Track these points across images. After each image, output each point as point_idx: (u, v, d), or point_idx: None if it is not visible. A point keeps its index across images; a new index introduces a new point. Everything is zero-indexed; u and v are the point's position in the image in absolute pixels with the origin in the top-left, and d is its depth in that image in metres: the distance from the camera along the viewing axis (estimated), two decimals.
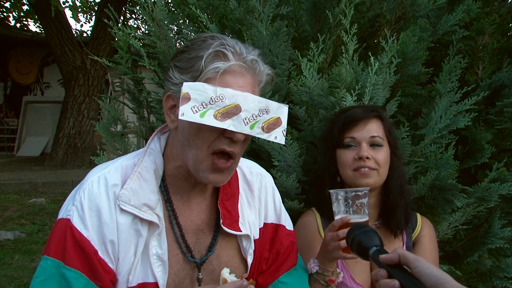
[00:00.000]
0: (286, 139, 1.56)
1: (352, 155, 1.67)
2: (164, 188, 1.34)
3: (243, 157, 1.54)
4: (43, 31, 11.48)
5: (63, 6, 10.13)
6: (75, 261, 1.19)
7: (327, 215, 1.69)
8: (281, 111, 1.28)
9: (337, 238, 1.39)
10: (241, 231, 1.37)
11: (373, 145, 1.68)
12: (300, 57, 1.98)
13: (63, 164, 10.63)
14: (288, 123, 1.99)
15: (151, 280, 1.25)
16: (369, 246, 1.13)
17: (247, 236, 1.39)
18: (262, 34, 2.03)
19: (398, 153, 1.75)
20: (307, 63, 1.94)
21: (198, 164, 1.23)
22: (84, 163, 10.74)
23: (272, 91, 1.98)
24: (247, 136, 1.24)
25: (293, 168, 1.96)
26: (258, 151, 2.15)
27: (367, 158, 1.64)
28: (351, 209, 1.42)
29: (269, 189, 1.52)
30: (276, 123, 1.27)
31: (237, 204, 1.41)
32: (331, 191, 1.46)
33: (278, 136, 1.28)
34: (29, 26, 14.45)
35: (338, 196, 1.44)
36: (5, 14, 13.54)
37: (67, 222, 1.23)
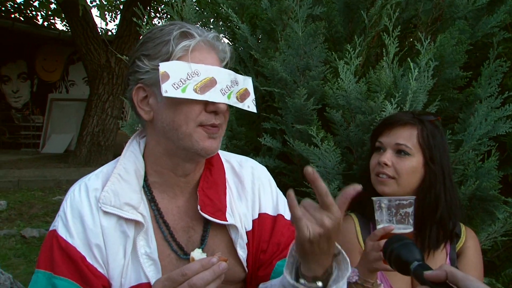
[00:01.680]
0: (328, 146, 1.65)
1: (377, 159, 1.64)
2: (147, 187, 1.33)
3: (250, 157, 1.56)
4: (69, 30, 11.60)
5: (90, 5, 10.22)
6: (64, 270, 1.19)
7: (366, 220, 1.64)
8: (247, 82, 1.35)
9: (378, 248, 1.32)
10: (226, 220, 1.32)
11: (399, 152, 1.61)
12: (337, 59, 1.92)
13: (86, 161, 10.71)
14: (323, 127, 1.96)
15: (144, 281, 1.23)
16: (410, 261, 1.05)
17: (235, 227, 1.34)
18: (297, 35, 1.98)
19: (437, 166, 1.62)
20: (344, 65, 1.88)
21: (190, 137, 1.23)
22: (108, 162, 10.71)
23: (307, 94, 1.93)
24: (227, 106, 1.28)
25: (332, 175, 1.90)
26: (289, 154, 2.10)
27: (386, 164, 1.60)
28: (395, 218, 1.35)
29: (264, 180, 1.47)
30: (245, 93, 1.33)
31: (224, 195, 1.38)
32: (374, 198, 1.40)
33: (250, 105, 1.34)
34: (56, 25, 14.68)
35: (381, 204, 1.38)
36: (33, 13, 13.78)
37: (53, 232, 1.24)
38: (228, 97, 1.26)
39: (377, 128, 1.72)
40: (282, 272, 1.25)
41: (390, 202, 1.36)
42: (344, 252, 1.15)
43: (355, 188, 1.06)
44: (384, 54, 1.93)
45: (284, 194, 1.52)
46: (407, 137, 1.62)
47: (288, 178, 2.14)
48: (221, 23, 2.54)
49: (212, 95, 1.22)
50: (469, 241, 1.71)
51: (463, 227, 1.75)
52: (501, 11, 2.04)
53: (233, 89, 1.28)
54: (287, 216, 1.44)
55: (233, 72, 1.30)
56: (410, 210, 1.36)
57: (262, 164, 1.55)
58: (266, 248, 1.39)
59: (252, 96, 1.35)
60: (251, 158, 1.57)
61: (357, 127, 1.95)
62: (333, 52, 2.01)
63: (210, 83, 1.22)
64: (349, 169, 1.96)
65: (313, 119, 2.00)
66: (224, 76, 1.26)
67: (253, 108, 1.35)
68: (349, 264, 1.14)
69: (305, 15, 1.99)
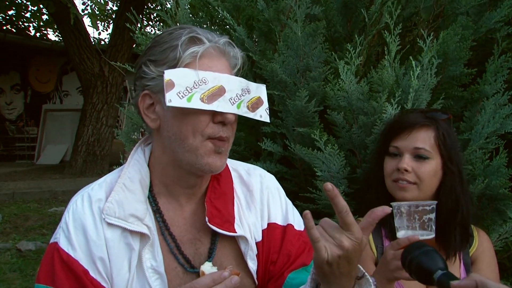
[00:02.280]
0: (332, 149, 1.59)
1: (394, 165, 1.57)
2: (152, 198, 1.27)
3: (250, 162, 1.51)
4: (61, 40, 11.55)
5: (82, 13, 10.18)
6: (65, 284, 1.14)
7: (378, 226, 1.57)
8: (260, 90, 1.29)
9: (400, 257, 1.26)
10: (235, 232, 1.26)
11: (418, 156, 1.54)
12: (337, 59, 1.86)
13: (82, 172, 10.64)
14: (325, 130, 1.90)
15: None
16: (434, 270, 0.98)
17: (244, 238, 1.28)
18: (297, 35, 1.92)
19: (454, 166, 1.57)
20: (344, 65, 1.82)
21: (196, 151, 1.17)
22: (104, 171, 10.72)
23: (308, 96, 1.87)
24: (236, 116, 1.22)
25: (337, 180, 1.83)
26: (290, 159, 2.03)
27: (406, 170, 1.53)
28: (416, 224, 1.28)
29: (272, 189, 1.41)
30: (258, 102, 1.27)
31: (232, 205, 1.32)
32: (393, 204, 1.32)
33: (262, 115, 1.28)
34: (48, 36, 14.63)
35: (400, 209, 1.31)
36: (25, 24, 13.72)
37: (55, 245, 1.18)
38: (238, 107, 1.20)
39: (388, 132, 1.64)
40: (294, 285, 1.18)
41: (411, 208, 1.30)
42: (367, 275, 1.08)
43: (384, 210, 1.00)
44: (386, 53, 1.87)
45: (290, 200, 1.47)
46: (425, 139, 1.55)
47: (290, 183, 2.08)
48: (216, 27, 2.48)
49: (220, 105, 1.16)
50: (484, 244, 1.65)
51: (474, 229, 1.68)
52: (504, 5, 1.98)
53: (243, 98, 1.22)
54: (297, 226, 1.38)
55: (245, 80, 1.24)
56: (433, 216, 1.30)
57: (264, 169, 1.49)
58: (276, 259, 1.32)
59: (265, 104, 1.29)
60: (251, 163, 1.52)
61: (359, 128, 1.89)
62: (333, 53, 1.96)
63: (219, 92, 1.16)
64: (353, 173, 1.89)
65: (315, 121, 1.94)
66: (234, 84, 1.20)
67: (266, 118, 1.29)
68: (372, 286, 1.07)
69: (303, 15, 1.93)
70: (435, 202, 1.33)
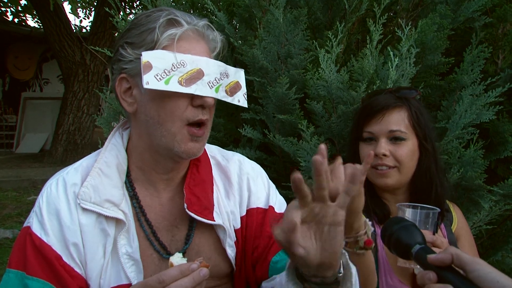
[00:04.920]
0: (318, 141, 1.58)
1: (371, 151, 1.53)
2: (129, 183, 1.26)
3: (229, 149, 1.49)
4: (41, 26, 11.32)
5: (62, 0, 9.96)
6: (37, 269, 1.12)
7: (369, 213, 1.55)
8: (239, 75, 1.28)
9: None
10: (214, 220, 1.26)
11: (394, 139, 1.51)
12: (318, 48, 1.86)
13: (62, 160, 10.48)
14: (305, 117, 1.90)
15: (125, 282, 1.17)
16: (411, 244, 0.98)
17: (222, 227, 1.28)
18: (278, 21, 1.91)
19: (429, 145, 1.55)
20: (325, 54, 1.82)
21: (173, 137, 1.16)
22: None
23: (289, 83, 1.87)
24: (215, 100, 1.22)
25: None
26: (270, 145, 2.03)
27: (384, 155, 1.50)
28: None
29: (252, 173, 1.39)
30: (236, 86, 1.26)
31: (211, 192, 1.31)
32: (397, 205, 1.32)
33: (240, 99, 1.28)
34: (28, 22, 14.31)
35: (405, 214, 1.30)
36: (2, 9, 13.37)
37: (27, 229, 1.16)
38: (216, 91, 1.19)
39: (361, 117, 1.59)
40: (278, 269, 1.19)
41: (416, 215, 1.28)
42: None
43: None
44: (367, 41, 1.88)
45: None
46: (399, 121, 1.52)
47: (270, 169, 2.08)
48: (197, 12, 2.46)
49: (199, 88, 1.15)
50: (461, 219, 1.64)
51: (450, 205, 1.67)
52: None
53: (222, 81, 1.21)
54: (277, 208, 1.37)
55: (223, 64, 1.23)
56: (435, 219, 1.30)
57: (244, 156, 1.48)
58: (258, 243, 1.32)
59: (243, 89, 1.28)
60: (231, 150, 1.51)
61: (338, 118, 1.89)
62: (314, 41, 1.95)
63: (197, 75, 1.15)
64: (332, 162, 1.90)
65: (295, 108, 1.94)
66: (213, 67, 1.19)
67: (244, 103, 1.29)
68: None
69: (285, 0, 1.92)
70: (438, 210, 1.31)
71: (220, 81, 1.20)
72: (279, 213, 1.36)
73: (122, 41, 1.20)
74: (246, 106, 1.31)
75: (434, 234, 1.29)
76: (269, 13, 1.98)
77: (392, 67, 1.77)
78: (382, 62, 1.92)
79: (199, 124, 1.19)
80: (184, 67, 1.14)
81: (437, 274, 0.88)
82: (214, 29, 1.25)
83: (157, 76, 1.11)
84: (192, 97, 1.16)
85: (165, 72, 1.12)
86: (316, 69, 1.87)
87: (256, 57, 1.94)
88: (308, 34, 1.99)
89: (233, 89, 1.25)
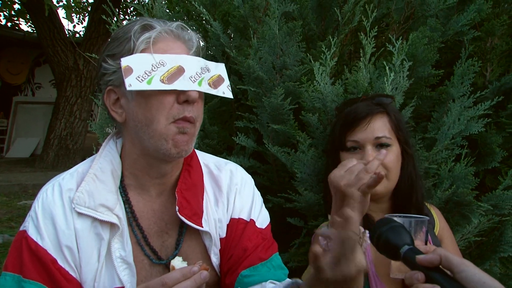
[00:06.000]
0: (315, 153, 1.63)
1: (363, 158, 1.50)
2: (123, 189, 1.28)
3: (223, 156, 1.51)
4: (35, 31, 11.30)
5: (57, 5, 9.97)
6: (33, 272, 1.14)
7: None
8: (220, 68, 1.30)
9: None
10: (202, 226, 1.28)
11: (380, 145, 1.51)
12: (312, 61, 1.89)
13: (54, 165, 10.44)
14: (299, 128, 1.93)
15: (118, 285, 1.19)
16: (400, 245, 0.98)
17: (209, 234, 1.30)
18: (274, 32, 1.94)
19: (410, 149, 1.56)
20: (319, 67, 1.85)
21: (161, 136, 1.18)
22: (76, 165, 10.54)
23: (284, 94, 1.89)
24: (200, 95, 1.23)
25: (317, 181, 1.85)
26: (263, 154, 2.06)
27: None
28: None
29: (240, 185, 1.42)
30: (219, 80, 1.28)
31: (201, 198, 1.33)
32: (386, 216, 1.30)
33: (225, 91, 1.29)
34: (21, 26, 14.26)
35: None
36: None
37: (23, 233, 1.19)
38: (199, 84, 1.21)
39: (343, 126, 1.57)
40: (246, 283, 1.23)
41: (406, 224, 1.25)
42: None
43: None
44: (361, 54, 1.91)
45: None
46: (383, 127, 1.52)
47: (263, 178, 2.10)
48: (192, 21, 2.49)
49: (181, 83, 1.17)
50: (441, 220, 1.65)
51: (430, 207, 1.68)
52: (470, 9, 2.05)
53: (204, 75, 1.23)
54: (259, 223, 1.39)
55: (203, 59, 1.26)
56: (424, 230, 1.29)
57: (237, 165, 1.50)
58: (232, 253, 1.34)
59: (226, 82, 1.30)
60: (224, 157, 1.53)
61: None
62: (308, 54, 1.98)
63: (178, 72, 1.17)
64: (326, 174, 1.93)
65: (290, 119, 1.97)
66: (193, 63, 1.21)
67: (228, 94, 1.30)
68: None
69: (281, 12, 1.96)
70: (427, 218, 1.30)
71: (201, 75, 1.22)
72: (260, 228, 1.39)
73: (103, 56, 1.24)
74: (231, 97, 1.32)
75: (426, 243, 1.29)
76: (265, 24, 2.01)
77: (388, 82, 1.80)
78: (376, 76, 1.95)
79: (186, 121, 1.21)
80: (164, 66, 1.16)
81: (425, 275, 0.90)
82: (189, 29, 1.28)
83: (139, 78, 1.14)
84: (177, 94, 1.18)
85: (146, 73, 1.15)
86: (311, 82, 1.90)
87: (252, 67, 1.97)
88: (303, 46, 2.02)
89: (216, 82, 1.27)
